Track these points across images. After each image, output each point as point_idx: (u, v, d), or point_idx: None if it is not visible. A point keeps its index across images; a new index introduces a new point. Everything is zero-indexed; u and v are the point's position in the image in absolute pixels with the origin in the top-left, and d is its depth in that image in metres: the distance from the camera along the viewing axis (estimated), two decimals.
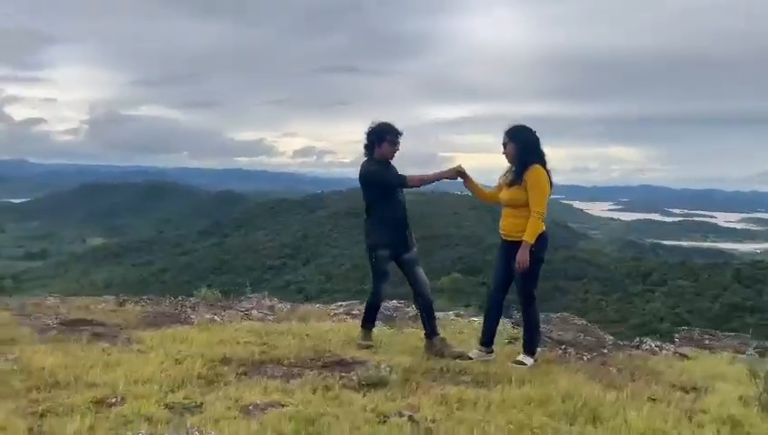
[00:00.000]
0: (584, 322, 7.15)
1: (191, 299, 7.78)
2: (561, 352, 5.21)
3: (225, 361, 4.41)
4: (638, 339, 6.95)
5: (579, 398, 3.52)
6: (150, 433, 2.86)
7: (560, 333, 6.17)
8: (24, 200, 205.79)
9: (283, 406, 3.34)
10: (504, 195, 4.70)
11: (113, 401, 3.40)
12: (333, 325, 6.22)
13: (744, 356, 5.97)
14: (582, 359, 5.04)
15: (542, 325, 6.37)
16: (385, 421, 3.13)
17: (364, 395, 3.64)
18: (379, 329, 6.02)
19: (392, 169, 5.07)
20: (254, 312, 7.28)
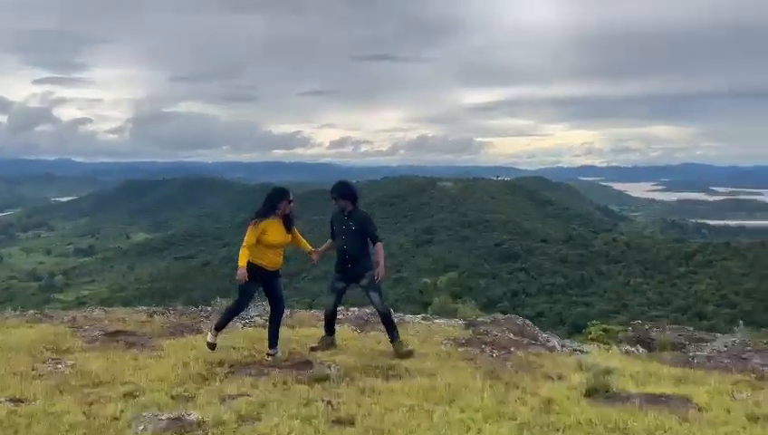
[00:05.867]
0: (526, 322, 8.62)
1: (208, 309, 9.51)
2: (479, 351, 6.73)
3: (220, 363, 6.07)
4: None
5: (446, 387, 5.09)
6: (157, 414, 4.50)
7: (495, 333, 7.68)
8: (70, 199, 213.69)
9: (248, 396, 4.98)
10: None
11: (137, 393, 5.08)
12: (316, 331, 7.82)
13: (637, 352, 7.40)
14: (492, 356, 6.56)
15: (484, 326, 7.88)
16: (309, 404, 4.74)
17: (310, 387, 5.26)
18: (350, 331, 7.69)
19: (336, 220, 6.79)
20: (258, 319, 8.96)
